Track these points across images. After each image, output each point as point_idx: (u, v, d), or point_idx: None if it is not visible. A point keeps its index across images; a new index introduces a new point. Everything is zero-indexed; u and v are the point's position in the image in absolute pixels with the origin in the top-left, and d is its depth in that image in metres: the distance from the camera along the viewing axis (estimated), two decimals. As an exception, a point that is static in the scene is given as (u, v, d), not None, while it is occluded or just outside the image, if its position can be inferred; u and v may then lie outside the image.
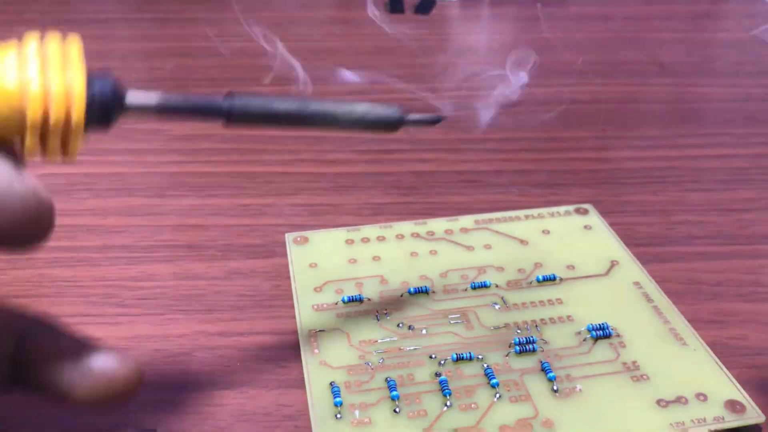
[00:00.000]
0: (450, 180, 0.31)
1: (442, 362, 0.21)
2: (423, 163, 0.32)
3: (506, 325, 0.22)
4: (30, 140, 0.14)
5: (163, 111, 0.16)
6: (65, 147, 0.14)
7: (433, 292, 0.24)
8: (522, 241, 0.26)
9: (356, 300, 0.23)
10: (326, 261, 0.25)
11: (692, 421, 0.19)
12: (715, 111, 0.38)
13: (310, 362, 0.21)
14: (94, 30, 0.47)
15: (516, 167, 0.32)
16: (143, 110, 0.15)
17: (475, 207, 0.29)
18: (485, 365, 0.21)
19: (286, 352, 0.22)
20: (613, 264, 0.25)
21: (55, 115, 0.14)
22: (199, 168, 0.32)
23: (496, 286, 0.24)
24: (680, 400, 0.20)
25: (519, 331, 0.22)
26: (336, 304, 0.23)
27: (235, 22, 0.49)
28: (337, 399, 0.20)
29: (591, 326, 0.22)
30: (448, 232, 0.27)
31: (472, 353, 0.21)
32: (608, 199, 0.30)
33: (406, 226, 0.27)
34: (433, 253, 0.26)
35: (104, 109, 0.14)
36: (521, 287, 0.24)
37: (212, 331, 0.23)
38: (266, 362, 0.22)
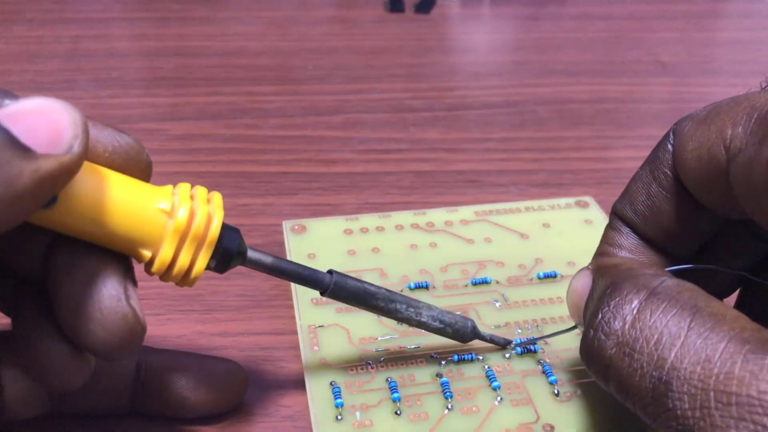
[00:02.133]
0: (450, 180, 0.31)
1: (443, 362, 0.21)
2: (423, 163, 0.32)
3: (507, 324, 0.22)
4: (164, 253, 0.16)
5: (274, 270, 0.18)
6: (186, 276, 0.16)
7: (434, 287, 0.24)
8: (522, 235, 0.26)
9: None
10: (325, 251, 0.25)
11: None
12: (716, 111, 0.38)
13: (310, 360, 0.21)
14: (94, 29, 0.47)
15: (516, 167, 0.32)
16: (258, 265, 0.18)
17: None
18: (486, 366, 0.21)
19: (286, 352, 0.22)
20: None
21: (175, 277, 0.16)
22: (198, 168, 0.32)
23: (497, 282, 0.24)
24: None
25: (520, 330, 0.22)
26: None
27: (235, 21, 0.49)
28: (338, 400, 0.20)
29: None
30: (448, 223, 0.27)
31: (473, 354, 0.21)
32: (608, 199, 0.29)
33: (406, 217, 0.27)
34: (433, 245, 0.26)
35: (227, 254, 0.17)
36: (522, 284, 0.24)
37: (212, 331, 0.23)
38: (266, 362, 0.22)
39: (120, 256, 0.16)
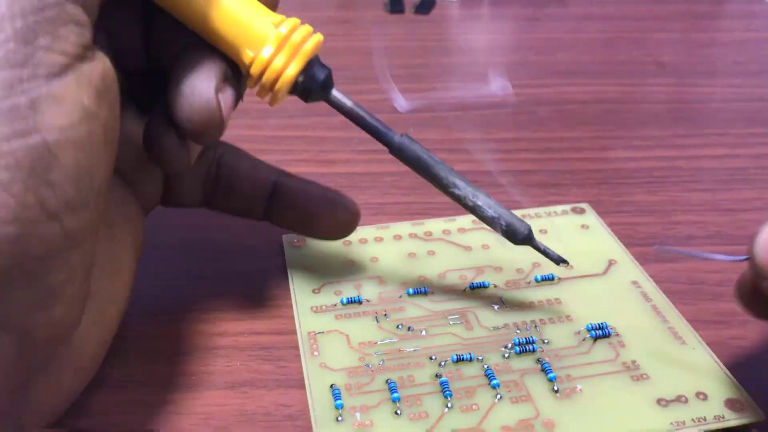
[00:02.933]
0: (450, 180, 0.31)
1: (443, 363, 0.21)
2: (423, 163, 0.32)
3: (505, 326, 0.22)
4: (249, 81, 0.19)
5: (351, 115, 0.20)
6: (270, 97, 0.19)
7: (432, 292, 0.24)
8: None
9: (355, 301, 0.23)
10: (324, 262, 0.25)
11: (693, 420, 0.19)
12: (715, 111, 0.38)
13: (310, 364, 0.21)
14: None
15: (516, 167, 0.32)
16: (338, 106, 0.20)
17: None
18: (485, 366, 0.21)
19: (286, 352, 0.22)
20: (611, 263, 0.25)
21: (267, 78, 0.19)
22: (199, 168, 0.32)
23: (495, 286, 0.24)
24: (680, 399, 0.20)
25: (518, 331, 0.22)
26: (335, 305, 0.23)
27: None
28: (338, 401, 0.20)
29: (590, 326, 0.22)
30: (446, 232, 0.27)
31: (472, 354, 0.21)
32: (608, 199, 0.30)
33: (404, 227, 0.27)
34: (431, 253, 0.26)
35: (305, 92, 0.19)
36: (520, 287, 0.24)
37: (212, 331, 0.23)
38: (266, 362, 0.22)
39: (229, 62, 0.19)
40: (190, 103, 0.18)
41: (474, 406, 0.20)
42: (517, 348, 0.21)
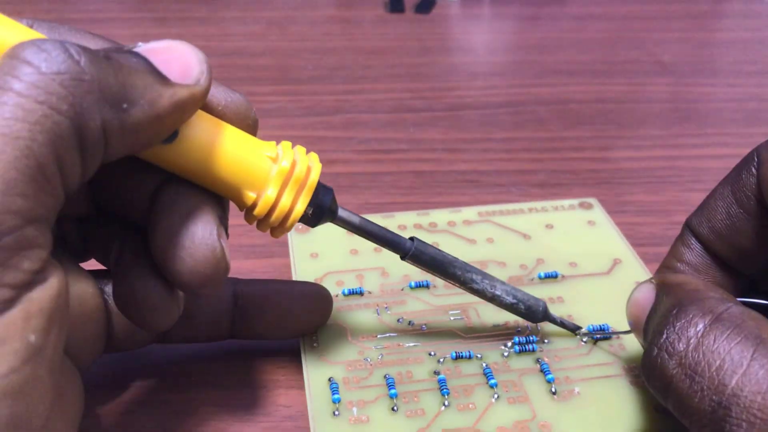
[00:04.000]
0: (450, 180, 0.31)
1: (441, 360, 0.21)
2: (423, 163, 0.32)
3: (506, 323, 0.22)
4: (251, 220, 0.18)
5: (360, 231, 0.19)
6: (273, 232, 0.18)
7: (434, 286, 0.24)
8: (525, 236, 0.26)
9: (357, 293, 0.23)
10: (328, 251, 0.25)
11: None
12: (715, 111, 0.38)
13: (309, 356, 0.21)
14: (94, 29, 0.47)
15: (516, 167, 0.32)
16: (345, 225, 0.19)
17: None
18: (484, 364, 0.21)
19: (286, 352, 0.22)
20: (616, 262, 0.25)
21: (275, 219, 0.18)
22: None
23: None
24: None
25: (519, 329, 0.22)
26: (336, 296, 0.23)
27: (235, 21, 0.49)
28: (335, 396, 0.20)
29: (591, 327, 0.22)
30: (451, 223, 0.27)
31: (471, 352, 0.21)
32: (609, 199, 0.30)
33: (408, 217, 0.27)
34: (435, 245, 0.26)
35: (315, 220, 0.18)
36: (523, 284, 0.24)
37: (212, 331, 0.23)
38: (266, 362, 0.22)
39: (220, 201, 0.17)
40: (191, 255, 0.16)
41: (471, 405, 0.20)
42: (517, 347, 0.21)
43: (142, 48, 0.15)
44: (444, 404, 0.20)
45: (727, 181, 0.19)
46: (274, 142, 0.18)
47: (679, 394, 0.15)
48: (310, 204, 0.18)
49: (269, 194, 0.17)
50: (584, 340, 0.22)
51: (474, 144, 0.34)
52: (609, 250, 0.26)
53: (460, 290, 0.23)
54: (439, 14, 0.51)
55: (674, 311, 0.16)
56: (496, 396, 0.20)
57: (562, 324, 0.22)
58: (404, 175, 0.32)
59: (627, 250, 0.26)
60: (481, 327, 0.22)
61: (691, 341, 0.16)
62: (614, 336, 0.22)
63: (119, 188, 0.18)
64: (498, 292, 0.20)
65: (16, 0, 0.52)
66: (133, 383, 0.21)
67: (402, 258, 0.20)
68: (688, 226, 0.20)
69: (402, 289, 0.24)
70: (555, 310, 0.23)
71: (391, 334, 0.22)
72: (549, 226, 0.27)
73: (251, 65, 0.42)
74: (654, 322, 0.17)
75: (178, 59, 0.15)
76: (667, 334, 0.16)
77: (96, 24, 0.48)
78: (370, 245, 0.25)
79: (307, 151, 0.19)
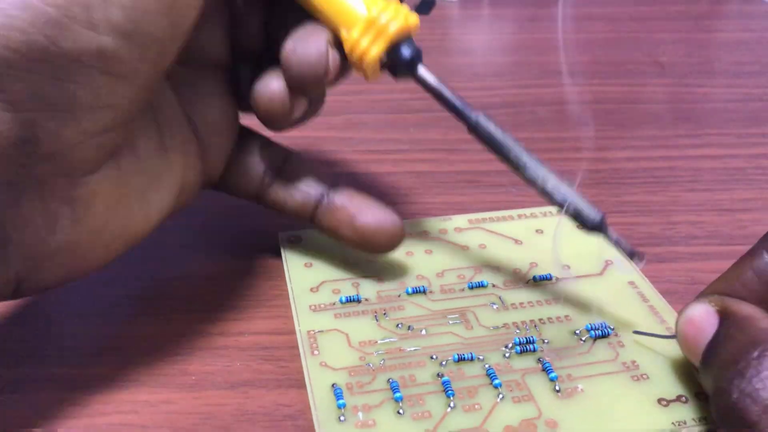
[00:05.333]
0: (450, 180, 0.31)
1: (444, 363, 0.21)
2: (423, 163, 0.32)
3: (505, 325, 0.23)
4: (351, 35, 0.21)
5: (434, 92, 0.22)
6: (361, 67, 0.21)
7: (431, 291, 0.24)
8: (516, 241, 0.26)
9: (354, 300, 0.23)
10: (321, 260, 0.25)
11: (693, 419, 0.19)
12: (715, 111, 0.38)
13: (310, 363, 0.21)
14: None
15: (516, 167, 0.32)
16: (423, 82, 0.22)
17: (475, 207, 0.29)
18: (487, 366, 0.21)
19: (286, 351, 0.22)
20: (607, 264, 0.25)
21: (354, 59, 0.21)
22: (199, 168, 0.32)
23: (493, 285, 0.24)
24: (681, 399, 0.20)
25: (518, 330, 0.22)
26: (333, 304, 0.23)
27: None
28: (340, 401, 0.20)
29: (590, 326, 0.22)
30: (442, 231, 0.27)
31: (473, 354, 0.21)
32: (608, 199, 0.30)
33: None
34: (429, 252, 0.26)
35: (393, 68, 0.22)
36: (518, 287, 0.24)
37: (212, 331, 0.23)
38: (266, 362, 0.22)
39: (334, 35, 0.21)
40: (303, 50, 0.21)
41: (477, 406, 0.20)
42: (518, 348, 0.21)
43: None
44: (450, 405, 0.20)
45: None
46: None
47: None
48: (388, 52, 0.21)
49: (352, 35, 0.21)
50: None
51: (474, 144, 0.34)
52: (599, 252, 0.25)
53: (457, 295, 0.23)
54: (438, 15, 0.51)
55: (755, 354, 0.16)
56: (500, 396, 0.20)
57: (617, 243, 0.21)
58: (404, 175, 0.32)
59: (617, 251, 0.26)
60: (480, 329, 0.22)
61: None
62: (612, 334, 0.22)
63: (279, 28, 0.22)
64: (548, 187, 0.21)
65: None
66: (133, 382, 0.21)
67: (467, 129, 0.22)
68: (766, 251, 0.19)
69: (399, 296, 0.24)
70: (552, 311, 0.23)
71: (391, 339, 0.22)
72: (539, 231, 0.27)
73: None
74: (722, 356, 0.17)
75: None
76: (752, 380, 0.16)
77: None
78: (364, 253, 0.25)
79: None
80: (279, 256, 0.26)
